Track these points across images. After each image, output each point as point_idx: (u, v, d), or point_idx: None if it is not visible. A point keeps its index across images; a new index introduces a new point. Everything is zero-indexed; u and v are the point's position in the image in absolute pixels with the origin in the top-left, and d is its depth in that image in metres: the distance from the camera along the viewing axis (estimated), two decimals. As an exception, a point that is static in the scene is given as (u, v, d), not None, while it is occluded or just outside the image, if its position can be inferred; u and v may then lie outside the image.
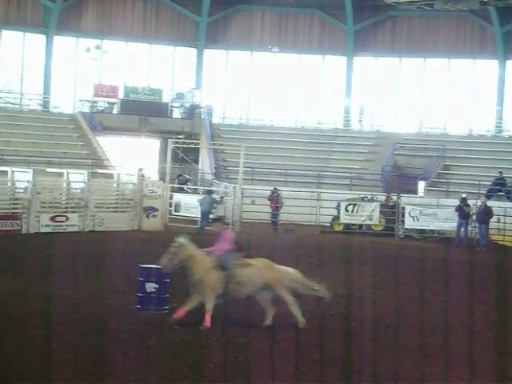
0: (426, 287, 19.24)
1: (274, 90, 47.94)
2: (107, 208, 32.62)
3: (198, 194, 36.63)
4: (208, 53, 48.60)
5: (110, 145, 44.20)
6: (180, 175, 41.63)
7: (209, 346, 12.76)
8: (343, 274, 20.55)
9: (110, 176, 36.16)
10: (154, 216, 32.72)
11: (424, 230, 34.55)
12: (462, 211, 32.27)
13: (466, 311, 16.61)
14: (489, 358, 12.92)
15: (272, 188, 36.59)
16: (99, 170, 36.61)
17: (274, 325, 14.01)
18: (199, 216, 33.07)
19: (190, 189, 39.92)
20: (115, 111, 45.91)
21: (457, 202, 32.76)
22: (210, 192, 34.82)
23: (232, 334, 13.41)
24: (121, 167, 39.28)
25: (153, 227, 31.99)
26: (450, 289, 19.14)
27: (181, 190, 39.18)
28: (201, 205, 32.96)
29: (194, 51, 48.40)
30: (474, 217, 32.56)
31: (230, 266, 14.28)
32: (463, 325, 15.32)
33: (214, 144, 42.81)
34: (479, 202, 32.86)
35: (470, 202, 33.25)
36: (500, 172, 37.23)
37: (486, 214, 32.15)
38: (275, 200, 36.08)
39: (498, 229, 33.32)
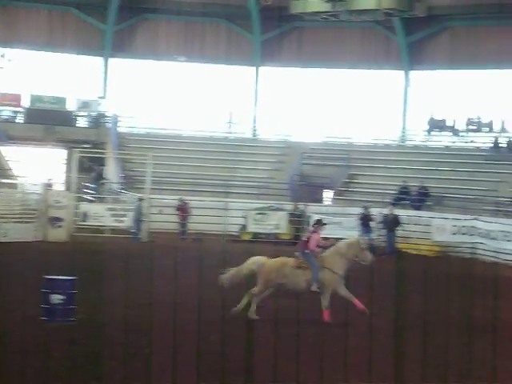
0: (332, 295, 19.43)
1: (181, 100, 47.79)
2: (11, 219, 32.02)
3: (106, 203, 36.32)
4: (114, 62, 48.20)
5: (14, 154, 43.34)
6: (94, 169, 41.06)
7: (116, 357, 12.62)
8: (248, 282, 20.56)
9: (14, 186, 35.51)
10: (60, 226, 32.25)
11: (330, 238, 34.87)
12: (365, 220, 32.86)
13: (370, 318, 16.84)
14: (391, 363, 13.13)
15: (179, 198, 36.51)
16: (3, 180, 35.90)
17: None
18: (133, 224, 33.26)
19: (96, 197, 39.45)
20: (20, 120, 45.09)
21: (361, 211, 33.33)
22: (141, 199, 34.73)
23: (139, 345, 13.29)
24: (25, 177, 38.60)
25: (58, 238, 31.56)
26: (355, 295, 19.37)
27: (96, 184, 38.93)
28: (134, 212, 33.17)
29: (100, 60, 47.95)
30: (380, 225, 33.13)
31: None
32: (367, 332, 15.52)
33: (120, 153, 42.44)
34: (385, 211, 33.48)
35: (375, 210, 33.84)
36: (404, 181, 37.95)
37: (393, 222, 32.78)
38: (183, 210, 36.05)
39: (403, 236, 33.98)
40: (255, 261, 17.44)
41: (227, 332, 13.94)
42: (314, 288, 17.26)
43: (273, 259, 17.67)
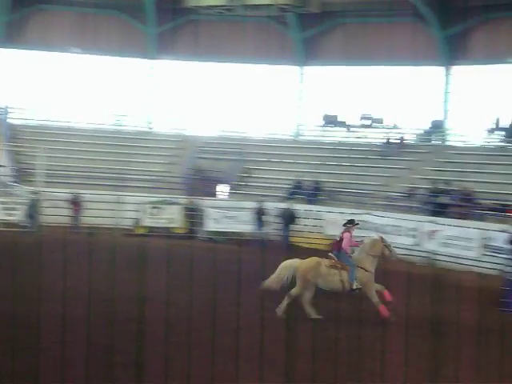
0: (220, 289, 19.42)
1: (75, 92, 46.97)
2: None
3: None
4: (5, 53, 47.00)
5: None
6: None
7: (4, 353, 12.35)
8: (138, 276, 20.39)
9: None
10: None
11: (225, 232, 35.07)
12: (259, 214, 33.10)
13: (259, 310, 16.90)
14: (283, 356, 13.21)
15: (72, 191, 35.96)
16: None
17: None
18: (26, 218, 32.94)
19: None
20: None
21: (256, 205, 33.53)
22: (34, 193, 34.10)
23: (28, 340, 13.02)
24: None
25: None
26: (246, 289, 19.41)
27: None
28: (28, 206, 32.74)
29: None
30: (276, 219, 33.39)
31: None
32: (254, 323, 15.57)
33: (12, 145, 41.47)
34: (281, 205, 33.76)
35: (270, 204, 34.09)
36: (298, 175, 38.30)
37: (290, 216, 33.07)
38: (76, 203, 35.55)
39: (296, 230, 34.31)
40: (288, 265, 18.16)
41: (118, 327, 13.80)
42: (357, 285, 18.10)
43: (307, 259, 18.32)
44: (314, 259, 18.23)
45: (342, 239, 18.43)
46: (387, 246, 18.70)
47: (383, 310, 17.67)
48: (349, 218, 20.22)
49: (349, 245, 18.39)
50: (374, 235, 20.17)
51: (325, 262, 18.14)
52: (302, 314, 17.58)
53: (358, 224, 19.41)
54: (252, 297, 18.39)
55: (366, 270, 18.16)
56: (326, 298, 18.93)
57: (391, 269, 26.34)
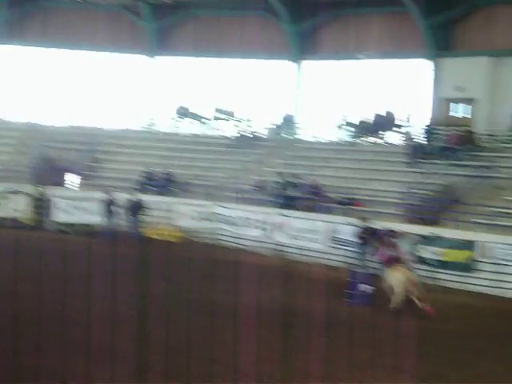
0: (71, 280, 19.11)
1: None
2: None
3: None
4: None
5: None
6: None
7: None
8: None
9: None
10: None
11: (74, 223, 34.49)
12: (109, 205, 32.74)
13: (111, 303, 16.72)
14: (133, 349, 13.13)
15: None
16: None
17: None
18: None
19: None
20: None
21: (105, 196, 33.13)
22: None
23: None
24: None
25: None
26: (97, 281, 19.16)
27: None
28: None
29: None
30: (126, 210, 33.07)
31: None
32: (106, 317, 15.41)
33: None
34: (130, 196, 33.47)
35: (120, 195, 33.73)
36: (149, 166, 38.07)
37: (137, 207, 32.81)
38: None
39: (147, 222, 34.11)
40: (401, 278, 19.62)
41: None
42: None
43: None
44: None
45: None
46: None
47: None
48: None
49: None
50: None
51: None
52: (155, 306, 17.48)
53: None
54: (102, 289, 18.19)
55: None
56: (179, 290, 18.88)
57: (242, 260, 26.74)
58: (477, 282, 25.08)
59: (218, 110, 43.46)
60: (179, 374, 12.08)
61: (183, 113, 43.98)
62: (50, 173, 39.04)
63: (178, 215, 34.68)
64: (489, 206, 27.55)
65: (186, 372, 12.18)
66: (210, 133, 43.57)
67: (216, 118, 43.55)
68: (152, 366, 12.30)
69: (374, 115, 37.97)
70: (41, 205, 34.45)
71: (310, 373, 12.75)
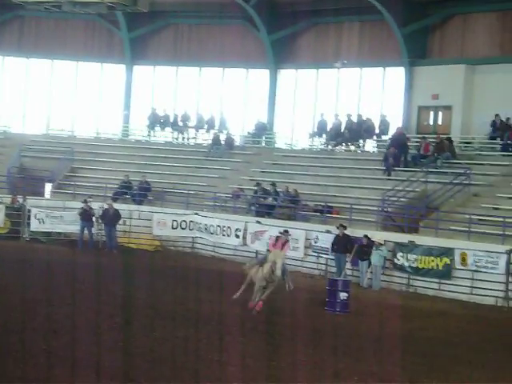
0: (52, 290, 19.03)
1: None
2: None
3: None
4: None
5: None
6: None
7: None
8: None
9: None
10: None
11: (50, 232, 34.31)
12: (85, 214, 32.60)
13: (93, 313, 16.67)
14: (115, 358, 13.08)
15: None
16: None
17: None
18: None
19: None
20: None
21: (82, 205, 32.99)
22: None
23: None
24: None
25: None
26: (77, 291, 19.11)
27: None
28: None
29: None
30: (102, 219, 32.96)
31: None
32: (89, 327, 15.36)
33: None
34: (106, 205, 33.35)
35: (97, 204, 33.61)
36: (126, 175, 37.95)
37: (114, 216, 32.69)
38: None
39: (124, 231, 34.02)
40: None
41: None
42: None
43: None
44: None
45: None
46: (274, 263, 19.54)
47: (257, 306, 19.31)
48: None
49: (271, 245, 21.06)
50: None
51: None
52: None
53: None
54: (80, 296, 18.15)
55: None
56: (158, 299, 18.83)
57: (220, 269, 26.71)
58: (454, 289, 25.19)
59: (195, 119, 43.41)
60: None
61: (158, 121, 43.88)
62: (26, 182, 38.79)
63: (156, 224, 34.58)
64: (466, 214, 27.68)
65: (166, 383, 12.14)
66: (186, 141, 43.54)
67: (192, 126, 43.49)
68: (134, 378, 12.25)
69: (351, 123, 38.06)
70: (17, 214, 34.21)
71: (289, 381, 12.75)
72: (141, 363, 13.03)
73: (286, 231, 23.11)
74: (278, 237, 21.40)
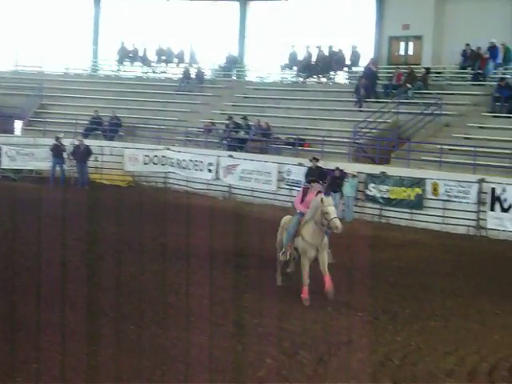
0: (22, 227, 18.99)
1: None
2: None
3: None
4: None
5: None
6: None
7: None
8: None
9: None
10: None
11: (22, 169, 34.07)
12: (57, 151, 32.36)
13: (64, 249, 16.67)
14: (86, 293, 13.09)
15: None
16: None
17: None
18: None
19: None
20: None
21: (52, 142, 32.74)
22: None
23: None
24: None
25: None
26: (48, 228, 19.06)
27: None
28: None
29: None
30: (72, 156, 32.74)
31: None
32: (61, 262, 15.35)
33: None
34: (76, 141, 33.11)
35: (67, 140, 33.34)
36: (96, 111, 37.61)
37: (85, 152, 32.48)
38: None
39: (96, 167, 33.86)
40: None
41: None
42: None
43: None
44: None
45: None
46: (326, 212, 13.89)
47: (303, 293, 13.90)
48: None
49: (298, 202, 14.95)
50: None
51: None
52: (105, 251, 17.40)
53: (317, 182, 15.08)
54: (52, 232, 18.10)
55: (304, 239, 14.21)
56: (130, 234, 18.85)
57: (190, 202, 26.75)
58: (426, 219, 25.38)
59: (163, 52, 42.92)
60: (132, 318, 12.07)
61: (128, 55, 43.35)
62: (-4, 119, 38.35)
63: (128, 159, 34.43)
64: (437, 144, 27.75)
65: (139, 316, 12.18)
66: (156, 75, 43.11)
67: (162, 61, 43.03)
68: (106, 312, 12.27)
69: (320, 54, 37.81)
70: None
71: (262, 312, 12.84)
72: (112, 297, 13.06)
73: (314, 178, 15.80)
74: (305, 188, 15.14)
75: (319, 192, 14.42)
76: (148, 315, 12.25)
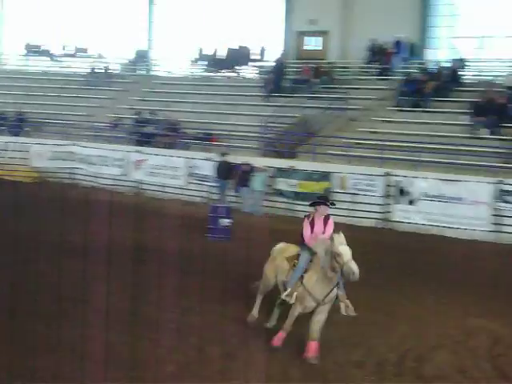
0: None
1: None
2: None
3: None
4: None
5: None
6: None
7: None
8: None
9: None
10: None
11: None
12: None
13: None
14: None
15: None
16: None
17: None
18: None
19: None
20: None
21: None
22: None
23: None
24: None
25: None
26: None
27: None
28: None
29: None
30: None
31: None
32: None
33: None
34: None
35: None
36: (0, 106, 36.83)
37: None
38: None
39: (0, 163, 33.13)
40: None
41: None
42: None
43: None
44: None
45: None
46: (337, 254, 11.34)
47: (276, 339, 11.72)
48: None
49: (308, 236, 12.37)
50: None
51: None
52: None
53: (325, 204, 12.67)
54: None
55: (305, 287, 11.72)
56: (32, 231, 18.44)
57: (98, 199, 26.36)
58: (334, 212, 25.46)
59: (69, 47, 42.24)
60: (39, 313, 11.81)
61: (33, 50, 42.53)
62: None
63: (33, 155, 33.76)
64: (343, 138, 28.02)
65: (46, 312, 11.94)
66: (61, 70, 42.39)
67: (67, 55, 42.35)
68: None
69: (228, 49, 37.79)
70: None
71: (164, 307, 12.72)
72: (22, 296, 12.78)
73: (322, 202, 12.66)
74: (308, 215, 12.66)
75: (327, 218, 12.39)
76: (52, 311, 12.00)
